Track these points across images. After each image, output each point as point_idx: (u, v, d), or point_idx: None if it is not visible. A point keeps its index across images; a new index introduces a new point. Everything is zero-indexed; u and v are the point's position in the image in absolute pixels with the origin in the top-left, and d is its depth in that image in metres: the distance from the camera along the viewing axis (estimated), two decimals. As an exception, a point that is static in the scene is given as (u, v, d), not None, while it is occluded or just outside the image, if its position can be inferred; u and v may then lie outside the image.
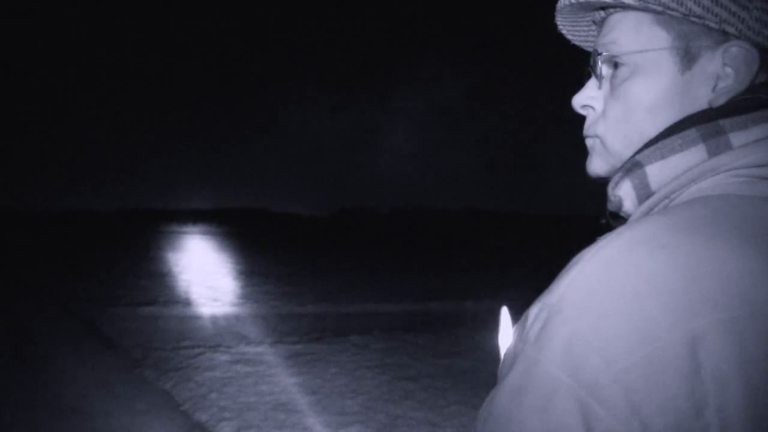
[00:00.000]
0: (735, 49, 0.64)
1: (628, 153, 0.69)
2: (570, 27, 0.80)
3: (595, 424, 0.52)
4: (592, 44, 0.79)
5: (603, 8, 0.74)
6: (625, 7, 0.69)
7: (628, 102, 0.69)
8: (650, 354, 0.52)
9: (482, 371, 6.61)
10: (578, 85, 0.76)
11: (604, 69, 0.72)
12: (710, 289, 0.53)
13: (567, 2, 0.75)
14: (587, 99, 0.74)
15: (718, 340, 0.52)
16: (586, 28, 0.80)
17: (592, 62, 0.73)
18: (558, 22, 0.80)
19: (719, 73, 0.65)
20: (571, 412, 0.53)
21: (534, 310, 0.59)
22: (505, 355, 0.62)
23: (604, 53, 0.71)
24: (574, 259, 0.59)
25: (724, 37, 0.65)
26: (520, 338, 0.59)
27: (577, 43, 0.83)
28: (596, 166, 0.74)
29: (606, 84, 0.72)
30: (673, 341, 0.52)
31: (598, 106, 0.72)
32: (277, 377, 6.19)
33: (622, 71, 0.69)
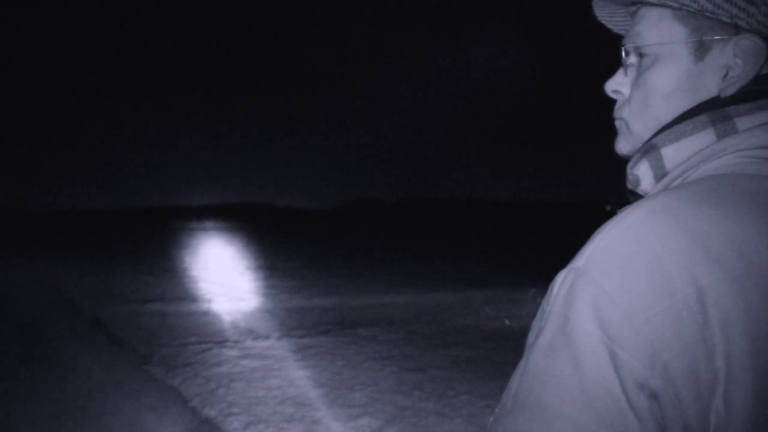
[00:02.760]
0: (746, 41, 0.70)
1: (647, 135, 0.77)
2: (608, 18, 0.88)
3: (622, 368, 0.59)
4: None
5: (633, 3, 0.81)
6: (646, 4, 0.77)
7: (647, 89, 0.76)
8: (670, 306, 0.59)
9: (490, 361, 6.60)
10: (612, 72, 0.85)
11: (631, 58, 0.79)
12: (716, 250, 0.60)
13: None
14: (617, 85, 0.82)
15: (724, 294, 0.59)
16: (623, 19, 0.87)
17: (620, 52, 0.81)
18: (596, 14, 0.89)
19: (730, 63, 0.71)
20: (603, 359, 0.59)
21: (561, 276, 0.66)
22: (533, 321, 0.68)
23: (629, 44, 0.78)
24: (599, 229, 0.67)
25: (736, 30, 0.71)
26: (549, 302, 0.66)
27: (618, 32, 0.90)
28: (621, 146, 0.82)
29: (633, 72, 0.79)
30: (688, 295, 0.59)
31: (626, 91, 0.80)
32: (285, 371, 6.19)
33: (645, 61, 0.77)
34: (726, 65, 0.72)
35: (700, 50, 0.73)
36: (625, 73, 0.80)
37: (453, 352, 7.02)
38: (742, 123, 0.70)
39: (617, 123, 0.83)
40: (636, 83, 0.78)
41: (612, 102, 0.85)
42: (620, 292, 0.60)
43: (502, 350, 7.03)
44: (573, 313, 0.62)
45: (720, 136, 0.70)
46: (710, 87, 0.73)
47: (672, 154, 0.72)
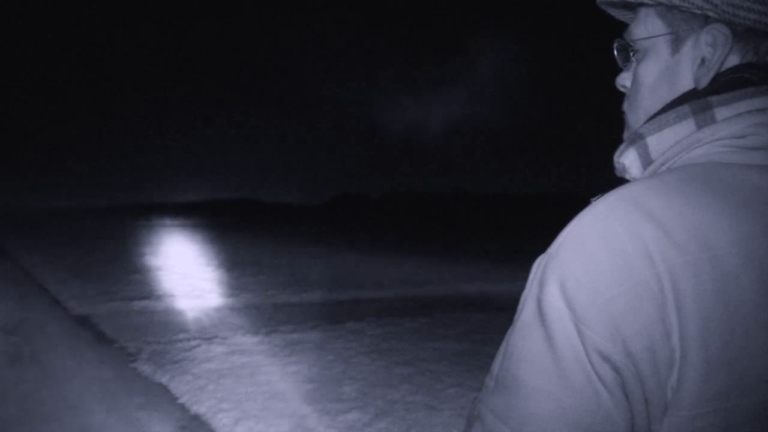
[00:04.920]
0: (714, 31, 0.73)
1: (637, 127, 0.80)
2: (623, 17, 0.90)
3: (588, 344, 0.63)
4: None
5: (625, 5, 0.86)
6: (635, 5, 0.81)
7: (637, 83, 0.81)
8: (630, 287, 0.63)
9: (478, 353, 6.64)
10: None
11: (632, 55, 0.83)
12: (677, 236, 0.64)
13: (598, 1, 0.89)
14: (622, 80, 0.86)
15: (680, 277, 0.62)
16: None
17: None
18: (612, 14, 0.91)
19: (704, 54, 0.74)
20: (572, 336, 0.64)
21: (538, 260, 0.71)
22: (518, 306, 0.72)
23: (621, 41, 0.84)
24: (574, 217, 0.71)
25: (706, 21, 0.74)
26: (528, 286, 0.71)
27: None
28: (625, 137, 0.85)
29: (632, 67, 0.83)
30: (648, 277, 0.63)
31: (629, 85, 0.84)
32: (274, 366, 6.20)
33: (638, 56, 0.81)
34: (700, 55, 0.75)
35: (676, 43, 0.77)
36: (629, 69, 0.84)
37: (442, 346, 7.06)
38: (720, 113, 0.72)
39: (624, 116, 0.86)
40: (632, 78, 0.83)
41: (621, 95, 0.88)
42: (585, 273, 0.65)
43: (491, 343, 7.07)
44: (545, 294, 0.66)
45: (699, 126, 0.72)
46: (687, 78, 0.76)
47: (656, 142, 0.75)
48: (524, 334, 0.67)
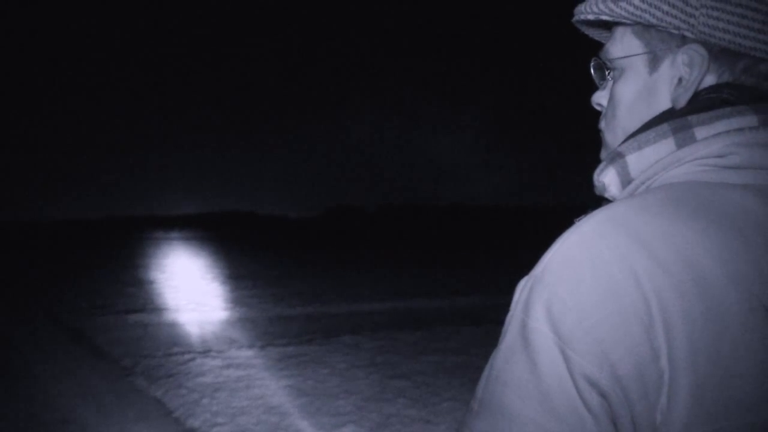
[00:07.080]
0: (690, 51, 0.74)
1: (616, 146, 0.80)
2: (597, 36, 0.92)
3: (574, 369, 0.62)
4: None
5: (600, 25, 0.86)
6: (611, 24, 0.81)
7: (614, 101, 0.81)
8: (617, 309, 0.62)
9: (474, 367, 6.63)
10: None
11: (608, 74, 0.83)
12: (663, 257, 0.63)
13: (574, 20, 0.88)
14: (598, 98, 0.87)
15: (666, 299, 0.62)
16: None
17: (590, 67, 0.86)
18: (591, 36, 0.92)
19: (681, 73, 0.75)
20: (557, 361, 0.63)
21: (522, 283, 0.70)
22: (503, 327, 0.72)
23: (597, 59, 0.84)
24: (558, 238, 0.70)
25: (683, 41, 0.74)
26: (512, 308, 0.70)
27: None
28: (602, 156, 0.86)
29: (608, 85, 0.84)
30: (635, 299, 0.62)
31: (605, 104, 0.85)
32: (269, 380, 6.17)
33: (614, 75, 0.81)
34: (677, 75, 0.75)
35: (654, 62, 0.77)
36: (604, 87, 0.85)
37: (437, 359, 7.04)
38: (700, 132, 0.71)
39: (601, 134, 0.86)
40: (609, 96, 0.83)
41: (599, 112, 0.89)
42: (571, 296, 0.64)
43: (487, 357, 7.04)
44: (530, 318, 0.66)
45: (679, 145, 0.72)
46: (665, 97, 0.77)
47: (636, 161, 0.74)
48: (507, 358, 0.67)
